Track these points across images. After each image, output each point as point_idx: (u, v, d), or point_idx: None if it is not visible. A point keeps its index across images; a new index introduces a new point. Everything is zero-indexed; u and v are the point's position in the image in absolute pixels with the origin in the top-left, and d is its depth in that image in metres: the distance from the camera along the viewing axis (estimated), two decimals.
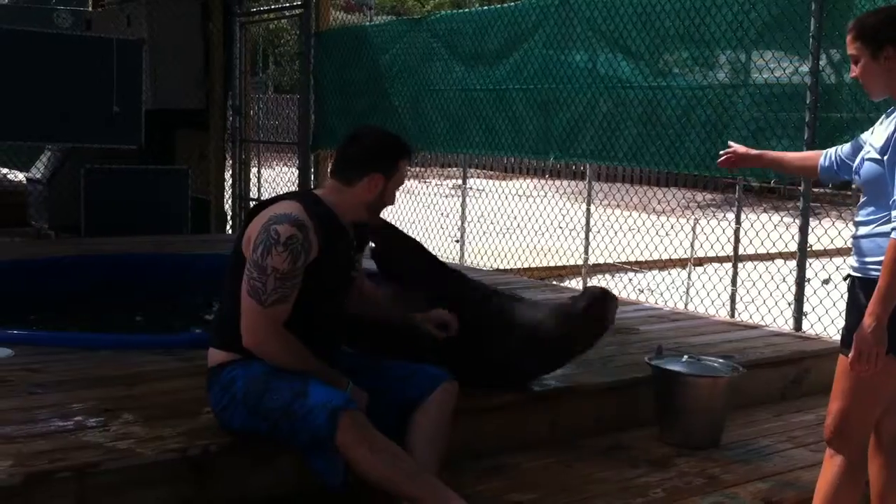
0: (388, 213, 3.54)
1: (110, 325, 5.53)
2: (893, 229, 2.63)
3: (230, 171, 10.27)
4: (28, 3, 11.90)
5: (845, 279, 2.90)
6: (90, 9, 10.64)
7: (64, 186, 8.85)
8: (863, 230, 2.81)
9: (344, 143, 3.27)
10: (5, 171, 11.21)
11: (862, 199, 2.85)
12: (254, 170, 10.61)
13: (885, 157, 2.70)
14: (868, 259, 2.75)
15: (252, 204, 10.08)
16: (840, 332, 2.93)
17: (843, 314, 2.91)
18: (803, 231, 5.50)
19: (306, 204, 3.08)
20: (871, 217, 2.79)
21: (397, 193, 3.31)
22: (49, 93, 8.19)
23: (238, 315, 3.02)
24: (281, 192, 3.59)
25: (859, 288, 2.77)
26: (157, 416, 3.35)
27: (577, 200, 9.66)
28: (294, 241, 2.96)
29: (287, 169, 10.87)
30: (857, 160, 2.85)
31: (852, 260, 2.85)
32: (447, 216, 10.97)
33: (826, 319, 5.58)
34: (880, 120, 2.84)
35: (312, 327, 3.11)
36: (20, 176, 10.64)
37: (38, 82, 8.16)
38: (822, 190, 7.48)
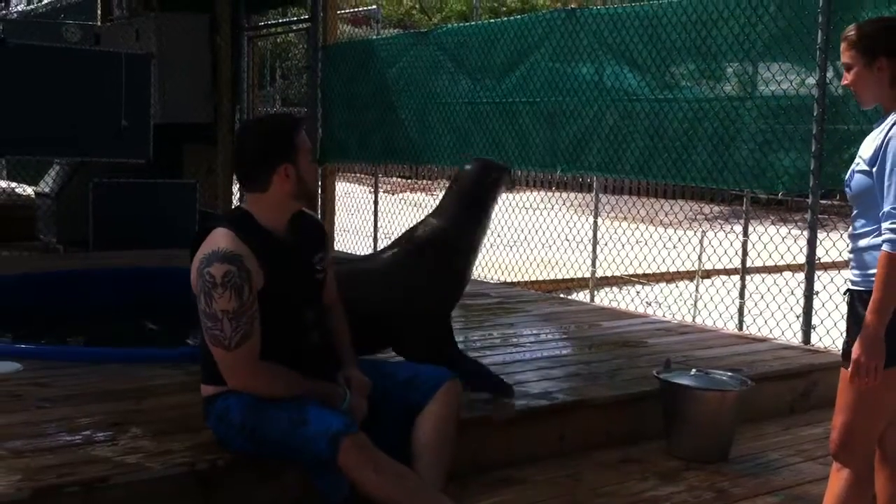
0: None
1: (118, 339, 5.54)
2: (885, 241, 2.62)
3: (237, 185, 10.28)
4: (37, 17, 11.97)
5: (845, 294, 2.88)
6: (99, 23, 10.70)
7: (72, 200, 8.87)
8: (860, 243, 2.79)
9: (236, 154, 3.08)
10: (14, 185, 11.25)
11: (854, 212, 2.83)
12: None
13: (874, 169, 2.69)
14: (869, 272, 2.74)
15: None
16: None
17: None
18: (811, 243, 5.49)
19: (236, 228, 2.95)
20: (865, 229, 2.77)
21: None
22: (58, 107, 8.21)
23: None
24: (215, 216, 3.37)
25: (858, 301, 2.75)
26: (165, 430, 3.35)
27: (584, 213, 9.65)
28: (230, 276, 2.86)
29: None
30: (849, 172, 2.84)
31: (850, 273, 2.83)
32: None
33: (835, 332, 5.56)
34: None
35: (295, 346, 3.06)
36: (28, 190, 10.68)
37: (47, 96, 8.18)
38: (830, 202, 7.46)
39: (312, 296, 3.19)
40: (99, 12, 10.73)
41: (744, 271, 6.54)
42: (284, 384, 2.98)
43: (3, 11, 13.44)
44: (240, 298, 2.87)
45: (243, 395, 3.00)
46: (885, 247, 2.62)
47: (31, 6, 13.92)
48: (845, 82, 2.82)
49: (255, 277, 2.91)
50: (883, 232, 2.63)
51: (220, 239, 2.92)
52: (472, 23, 8.34)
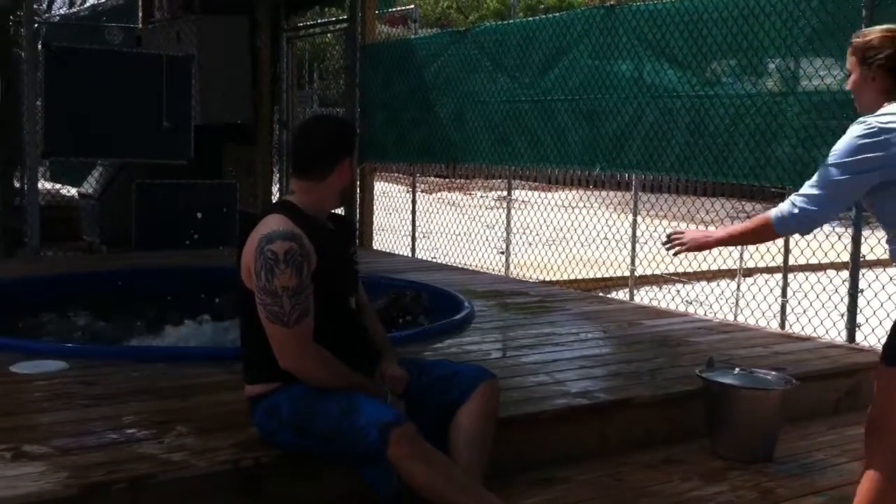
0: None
1: (161, 335, 5.61)
2: (775, 215, 2.90)
3: (277, 185, 10.36)
4: (79, 20, 12.12)
5: None
6: (140, 26, 10.82)
7: (115, 201, 8.99)
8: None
9: (300, 144, 3.20)
10: (58, 186, 11.42)
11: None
12: None
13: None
14: None
15: None
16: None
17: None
18: (856, 241, 5.42)
19: (288, 214, 3.06)
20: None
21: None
22: (101, 109, 8.32)
23: (262, 347, 3.02)
24: (261, 210, 3.53)
25: None
26: (209, 428, 3.39)
27: (622, 211, 9.60)
28: (292, 253, 2.94)
29: None
30: None
31: None
32: (492, 228, 10.96)
33: (880, 330, 5.47)
34: None
35: (335, 337, 3.10)
36: (72, 191, 10.83)
37: (89, 99, 8.29)
38: None
39: (354, 285, 3.30)
40: (140, 15, 10.85)
41: (786, 269, 6.46)
42: (333, 370, 3.03)
43: (46, 15, 13.62)
44: (300, 276, 2.95)
45: (293, 390, 3.04)
46: (772, 215, 2.91)
47: (73, 9, 14.10)
48: (847, 86, 2.92)
49: (312, 257, 3.00)
50: (783, 204, 2.89)
51: (277, 221, 3.02)
52: (510, 21, 8.31)
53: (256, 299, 2.98)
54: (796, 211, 2.86)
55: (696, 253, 3.41)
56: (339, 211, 3.62)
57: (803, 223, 2.88)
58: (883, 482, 2.77)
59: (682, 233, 3.29)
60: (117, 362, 4.33)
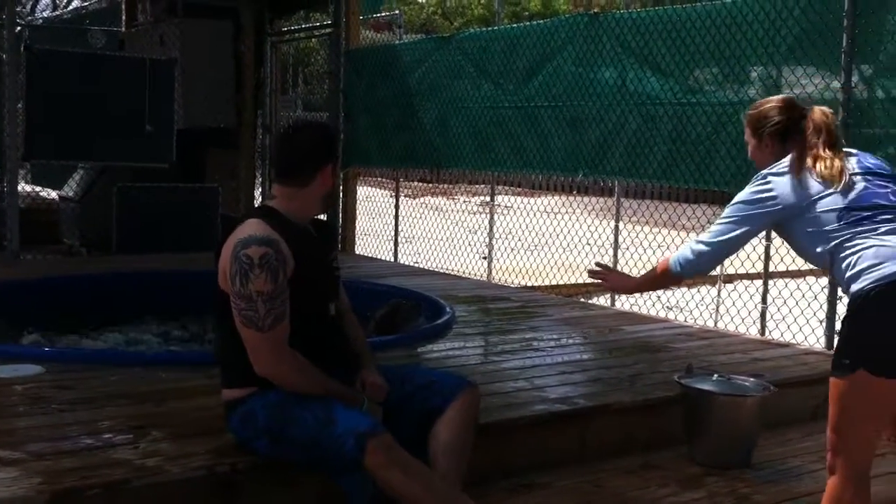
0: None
1: (139, 342, 5.58)
2: (675, 259, 3.17)
3: (259, 190, 10.33)
4: (62, 23, 12.06)
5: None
6: (123, 29, 10.78)
7: (96, 204, 8.93)
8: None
9: (283, 149, 3.21)
10: (38, 189, 11.35)
11: None
12: None
13: None
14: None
15: None
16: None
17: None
18: None
19: (266, 219, 3.06)
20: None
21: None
22: (82, 112, 8.28)
23: (237, 351, 3.01)
24: (240, 215, 3.55)
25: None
26: (185, 433, 3.36)
27: (605, 217, 9.62)
28: (267, 258, 2.93)
29: None
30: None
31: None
32: (475, 233, 10.97)
33: None
34: None
35: (313, 343, 3.09)
36: (52, 194, 10.77)
37: (71, 101, 8.25)
38: None
39: (334, 290, 3.29)
40: (123, 18, 10.80)
41: (766, 276, 6.48)
42: (309, 377, 3.01)
43: (29, 18, 13.55)
44: (275, 281, 2.94)
45: (268, 396, 3.02)
46: (670, 261, 3.18)
47: (56, 12, 14.03)
48: (749, 155, 3.20)
49: (289, 265, 2.99)
50: (681, 250, 3.18)
51: (254, 226, 3.02)
52: (495, 27, 8.32)
53: (232, 304, 2.97)
54: (692, 257, 3.12)
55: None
56: (323, 217, 3.59)
57: (699, 267, 3.15)
58: (844, 493, 2.79)
59: (608, 272, 3.55)
60: (94, 367, 4.30)
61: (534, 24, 7.54)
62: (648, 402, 4.11)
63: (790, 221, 2.95)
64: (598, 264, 3.59)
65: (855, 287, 2.72)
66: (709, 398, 3.82)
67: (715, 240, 3.08)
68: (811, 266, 3.22)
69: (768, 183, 2.95)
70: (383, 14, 11.30)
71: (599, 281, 3.54)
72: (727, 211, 3.06)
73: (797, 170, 2.91)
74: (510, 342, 5.23)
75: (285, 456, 3.04)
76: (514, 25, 8.20)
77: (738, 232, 3.03)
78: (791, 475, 3.78)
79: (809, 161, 2.91)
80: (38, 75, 8.18)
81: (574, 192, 14.59)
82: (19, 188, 8.45)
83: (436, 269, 8.96)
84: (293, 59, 14.01)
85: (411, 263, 9.31)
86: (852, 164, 2.96)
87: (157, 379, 4.11)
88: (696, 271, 3.18)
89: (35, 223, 9.11)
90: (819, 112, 3.04)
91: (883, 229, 2.78)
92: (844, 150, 3.01)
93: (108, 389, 3.92)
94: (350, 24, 9.36)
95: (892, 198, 2.89)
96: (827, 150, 2.93)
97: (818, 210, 2.86)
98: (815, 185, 2.88)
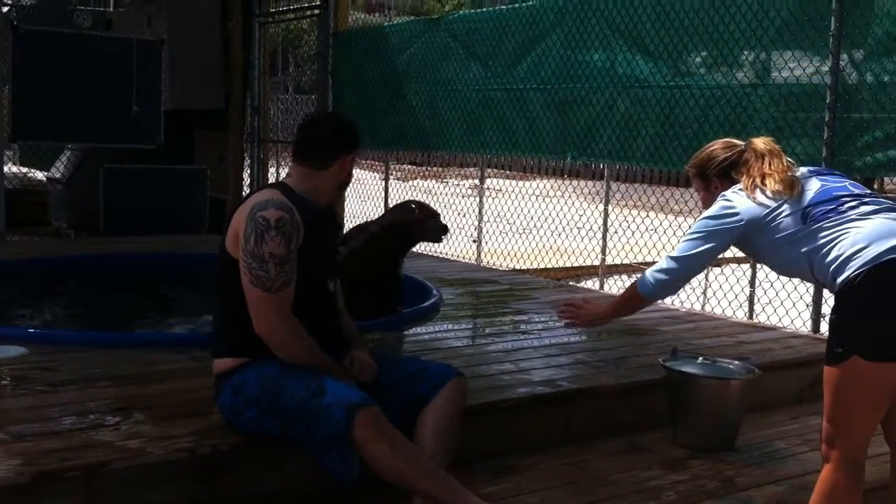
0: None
1: (124, 323, 5.56)
2: (640, 280, 3.27)
3: (248, 171, 10.29)
4: (48, 3, 11.97)
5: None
6: (111, 9, 10.70)
7: (83, 186, 8.90)
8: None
9: (307, 131, 3.31)
10: (25, 170, 11.29)
11: None
12: (272, 170, 10.63)
13: None
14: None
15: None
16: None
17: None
18: None
19: (282, 191, 3.13)
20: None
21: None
22: (69, 93, 8.23)
23: (240, 317, 3.03)
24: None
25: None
26: (169, 415, 3.35)
27: (594, 201, 9.61)
28: (283, 222, 3.00)
29: None
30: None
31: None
32: (465, 216, 10.94)
33: None
34: None
35: (310, 318, 3.11)
36: (40, 175, 10.72)
37: (58, 82, 8.20)
38: None
39: (334, 271, 3.34)
40: None
41: (755, 259, 6.48)
42: (304, 345, 3.05)
43: None
44: (288, 246, 3.01)
45: (261, 368, 3.04)
46: (638, 284, 3.28)
47: None
48: (703, 204, 3.27)
49: (300, 234, 3.05)
50: (648, 272, 3.25)
51: (271, 193, 3.11)
52: (484, 9, 8.29)
53: (242, 264, 3.01)
54: (661, 276, 3.21)
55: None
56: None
57: (669, 285, 3.24)
58: (839, 480, 2.80)
59: (576, 307, 3.55)
60: (78, 348, 4.27)
61: (523, 6, 7.51)
62: (633, 384, 4.10)
63: (758, 236, 3.01)
64: (565, 304, 3.61)
65: (841, 278, 2.72)
66: (693, 381, 3.82)
67: (683, 255, 3.16)
68: None
69: (730, 200, 3.05)
70: None
71: (569, 320, 3.57)
72: (693, 227, 3.15)
73: (750, 188, 3.03)
74: (497, 325, 5.23)
75: (272, 429, 3.03)
76: (503, 7, 8.17)
77: (704, 247, 3.11)
78: (776, 458, 3.78)
79: (758, 180, 3.02)
80: (25, 56, 8.13)
81: (564, 176, 14.58)
82: (7, 169, 8.40)
83: (425, 252, 8.94)
84: (283, 41, 13.94)
85: None
86: (802, 171, 3.07)
87: (141, 361, 4.09)
88: (666, 290, 3.28)
89: (23, 204, 9.09)
90: (760, 141, 3.16)
91: (852, 215, 2.82)
92: (789, 161, 3.11)
93: (91, 371, 3.90)
94: (339, 6, 9.31)
95: (850, 188, 2.95)
96: (772, 167, 3.04)
97: (782, 216, 2.93)
98: (770, 198, 2.98)
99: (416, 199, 5.51)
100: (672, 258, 3.20)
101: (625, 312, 3.51)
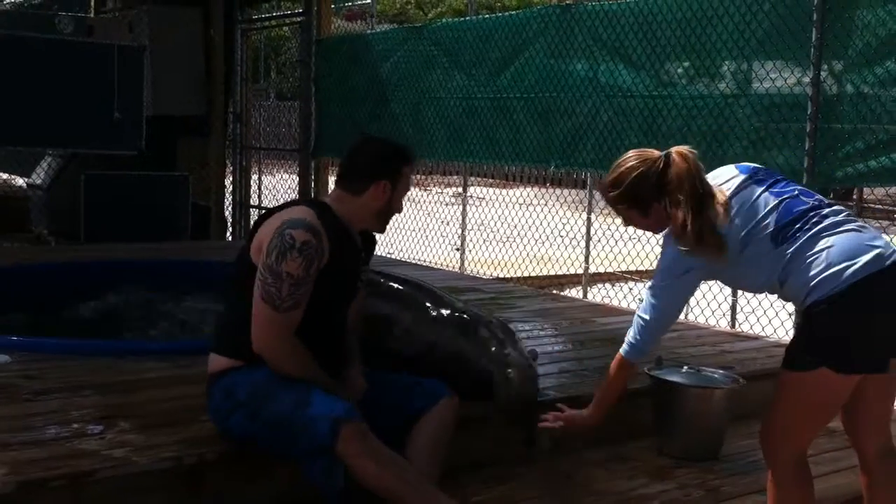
0: (390, 221, 3.49)
1: (108, 332, 5.52)
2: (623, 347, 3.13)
3: (231, 178, 10.26)
4: (30, 8, 11.90)
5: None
6: (92, 15, 10.65)
7: (64, 192, 8.83)
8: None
9: (349, 153, 3.27)
10: (6, 176, 11.21)
11: None
12: (254, 176, 10.61)
13: None
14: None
15: (252, 211, 10.12)
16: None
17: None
18: None
19: (317, 211, 3.08)
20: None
21: (403, 201, 3.30)
22: (50, 99, 8.17)
23: (245, 321, 3.01)
24: (288, 200, 3.58)
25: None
26: (154, 423, 3.33)
27: (577, 209, 9.64)
28: (308, 246, 2.96)
29: (287, 176, 10.87)
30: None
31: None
32: (448, 224, 10.96)
33: None
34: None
35: (318, 337, 3.10)
36: (20, 181, 10.64)
37: (39, 88, 8.14)
38: None
39: (349, 298, 3.30)
40: (92, 4, 10.68)
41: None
42: (300, 363, 3.03)
43: None
44: (307, 270, 2.97)
45: (255, 374, 3.03)
46: (622, 352, 3.14)
47: None
48: (644, 229, 3.09)
49: (324, 259, 3.02)
50: (627, 338, 3.11)
51: (305, 212, 3.05)
52: (467, 18, 8.31)
53: (258, 275, 2.99)
54: (639, 337, 3.08)
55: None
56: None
57: (648, 342, 3.10)
58: (789, 481, 2.84)
59: (563, 414, 3.38)
60: (62, 356, 4.24)
61: (506, 16, 7.54)
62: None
63: (723, 270, 2.88)
64: (545, 417, 3.40)
65: (816, 297, 2.68)
66: (678, 390, 3.84)
67: (652, 315, 3.02)
68: None
69: (684, 249, 2.84)
70: (356, 2, 11.25)
71: (556, 426, 3.36)
72: (656, 281, 3.00)
73: (694, 241, 2.79)
74: None
75: (258, 435, 3.02)
76: (487, 16, 8.19)
77: (671, 300, 3.00)
78: (760, 467, 3.75)
79: (691, 227, 2.78)
80: (4, 61, 8.06)
81: (547, 184, 14.62)
82: None
83: (408, 260, 8.95)
84: (265, 48, 13.92)
85: (384, 254, 9.29)
86: (736, 178, 2.87)
87: (126, 369, 4.07)
88: (648, 347, 3.12)
89: (3, 210, 9.02)
90: (681, 157, 2.88)
91: (819, 230, 2.73)
92: (711, 175, 2.91)
93: (76, 380, 3.88)
94: (322, 13, 9.31)
95: (804, 198, 2.83)
96: (704, 186, 2.82)
97: (749, 247, 2.79)
98: (722, 234, 2.78)
99: None
100: (642, 318, 3.05)
101: (615, 390, 3.26)
